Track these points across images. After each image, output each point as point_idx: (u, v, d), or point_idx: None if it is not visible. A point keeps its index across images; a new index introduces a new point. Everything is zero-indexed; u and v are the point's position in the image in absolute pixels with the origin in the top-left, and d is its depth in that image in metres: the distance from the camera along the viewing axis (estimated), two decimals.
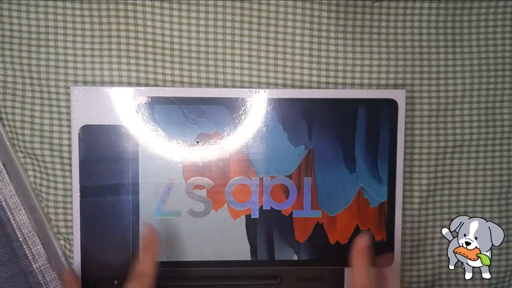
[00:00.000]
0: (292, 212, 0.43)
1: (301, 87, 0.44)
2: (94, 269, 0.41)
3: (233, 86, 0.44)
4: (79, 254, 0.41)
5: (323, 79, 0.44)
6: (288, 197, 0.43)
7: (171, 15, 0.42)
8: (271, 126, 0.42)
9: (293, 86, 0.44)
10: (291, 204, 0.43)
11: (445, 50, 0.44)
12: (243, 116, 0.42)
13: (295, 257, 0.43)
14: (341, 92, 0.42)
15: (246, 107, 0.42)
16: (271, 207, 0.43)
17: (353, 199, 0.43)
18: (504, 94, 0.45)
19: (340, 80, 0.44)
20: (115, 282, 0.41)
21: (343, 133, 0.42)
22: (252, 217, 0.42)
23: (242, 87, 0.43)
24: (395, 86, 0.44)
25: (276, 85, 0.44)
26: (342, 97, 0.42)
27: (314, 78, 0.44)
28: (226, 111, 0.41)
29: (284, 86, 0.44)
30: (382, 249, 0.43)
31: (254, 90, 0.42)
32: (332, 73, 0.44)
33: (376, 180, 0.43)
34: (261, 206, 0.42)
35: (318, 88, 0.44)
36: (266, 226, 0.43)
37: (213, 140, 0.42)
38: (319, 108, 0.42)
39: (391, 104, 0.42)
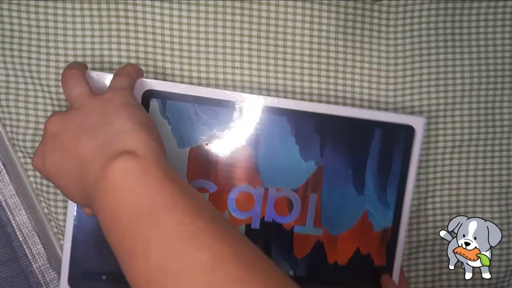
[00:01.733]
0: (293, 227, 0.41)
1: (319, 101, 0.43)
2: (84, 264, 0.40)
3: (241, 89, 0.43)
4: (69, 248, 0.40)
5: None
6: (291, 211, 0.41)
7: (171, 15, 0.42)
8: (284, 137, 0.40)
9: (305, 94, 0.44)
10: (293, 218, 0.41)
11: (445, 51, 0.44)
12: (257, 124, 0.40)
13: (291, 273, 0.41)
14: (359, 112, 0.41)
15: (262, 114, 0.40)
16: (272, 219, 0.41)
17: (357, 221, 0.41)
18: (504, 94, 0.45)
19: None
20: (103, 277, 0.40)
21: (355, 154, 0.41)
22: (252, 227, 0.41)
23: (251, 92, 0.43)
24: (395, 87, 0.44)
25: (284, 92, 0.43)
26: (360, 117, 0.40)
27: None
28: (241, 116, 0.40)
29: (293, 93, 0.44)
30: (380, 274, 0.42)
31: (272, 98, 0.40)
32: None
33: (383, 205, 0.41)
34: (263, 217, 0.41)
35: (335, 103, 0.43)
36: (265, 238, 0.41)
37: (223, 143, 0.40)
38: (334, 124, 0.40)
39: (409, 131, 0.41)
